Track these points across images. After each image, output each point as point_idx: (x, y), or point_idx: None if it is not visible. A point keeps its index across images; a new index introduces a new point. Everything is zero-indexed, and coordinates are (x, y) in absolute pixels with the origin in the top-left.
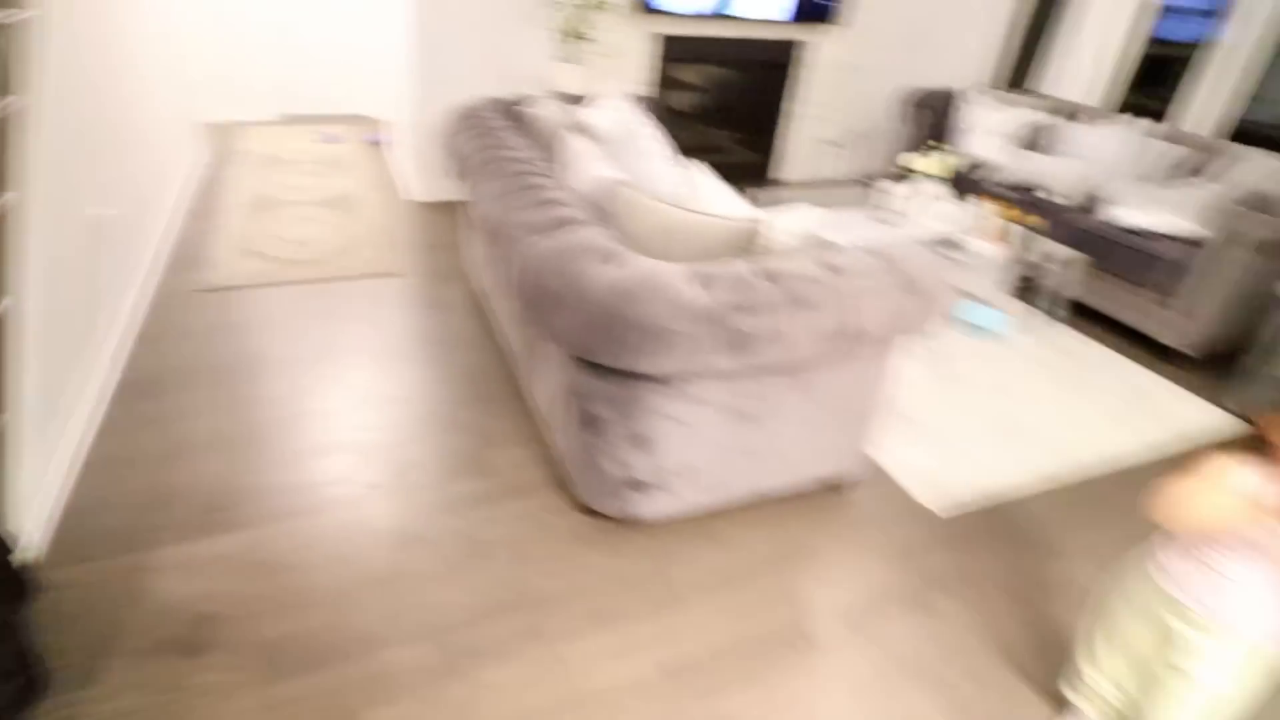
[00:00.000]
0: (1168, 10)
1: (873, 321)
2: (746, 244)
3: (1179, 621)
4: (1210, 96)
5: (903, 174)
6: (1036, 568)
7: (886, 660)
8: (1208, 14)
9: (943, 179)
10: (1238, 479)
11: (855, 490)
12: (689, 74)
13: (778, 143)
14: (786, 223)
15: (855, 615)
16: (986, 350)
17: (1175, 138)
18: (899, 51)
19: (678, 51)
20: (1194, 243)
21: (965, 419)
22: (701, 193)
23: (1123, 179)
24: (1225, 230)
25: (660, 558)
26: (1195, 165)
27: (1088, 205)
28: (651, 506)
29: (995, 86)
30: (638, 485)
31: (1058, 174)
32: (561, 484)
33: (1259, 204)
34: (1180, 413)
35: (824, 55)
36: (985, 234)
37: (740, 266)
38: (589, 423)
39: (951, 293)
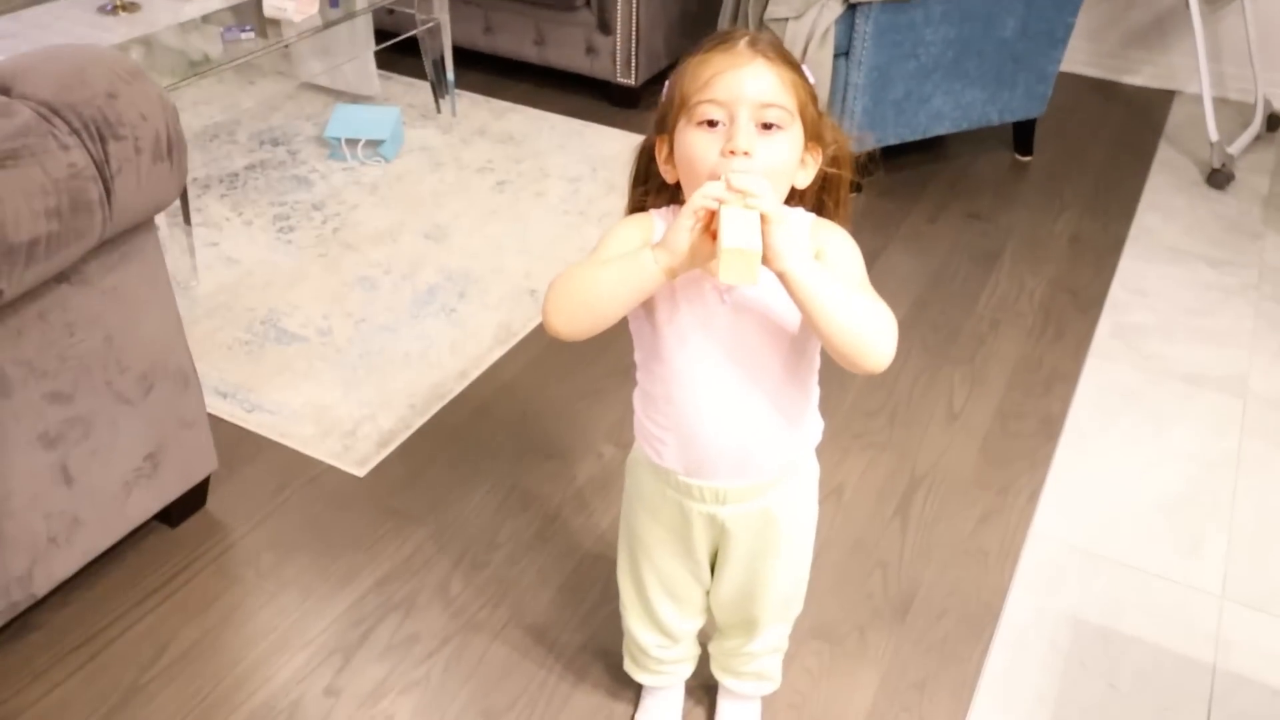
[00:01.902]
0: None
1: (15, 215)
2: None
3: (697, 504)
4: None
5: None
6: (519, 491)
7: None
8: None
9: None
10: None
11: (221, 495)
12: None
13: None
14: None
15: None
16: (387, 179)
17: None
18: None
19: None
20: None
21: (381, 304)
22: None
23: None
24: None
25: None
26: None
27: None
28: None
29: None
30: None
31: None
32: None
33: None
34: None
35: None
36: None
37: None
38: None
39: (167, 108)
